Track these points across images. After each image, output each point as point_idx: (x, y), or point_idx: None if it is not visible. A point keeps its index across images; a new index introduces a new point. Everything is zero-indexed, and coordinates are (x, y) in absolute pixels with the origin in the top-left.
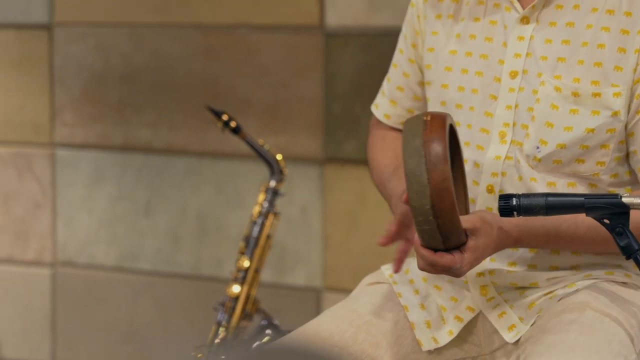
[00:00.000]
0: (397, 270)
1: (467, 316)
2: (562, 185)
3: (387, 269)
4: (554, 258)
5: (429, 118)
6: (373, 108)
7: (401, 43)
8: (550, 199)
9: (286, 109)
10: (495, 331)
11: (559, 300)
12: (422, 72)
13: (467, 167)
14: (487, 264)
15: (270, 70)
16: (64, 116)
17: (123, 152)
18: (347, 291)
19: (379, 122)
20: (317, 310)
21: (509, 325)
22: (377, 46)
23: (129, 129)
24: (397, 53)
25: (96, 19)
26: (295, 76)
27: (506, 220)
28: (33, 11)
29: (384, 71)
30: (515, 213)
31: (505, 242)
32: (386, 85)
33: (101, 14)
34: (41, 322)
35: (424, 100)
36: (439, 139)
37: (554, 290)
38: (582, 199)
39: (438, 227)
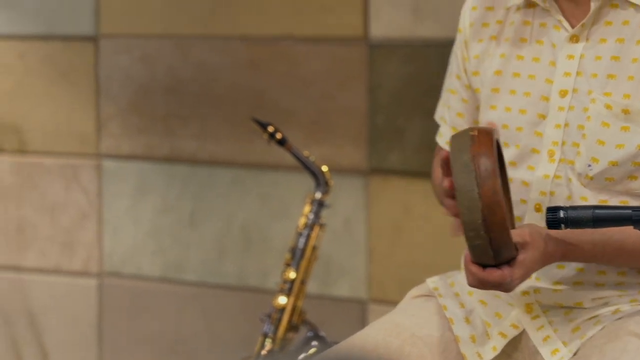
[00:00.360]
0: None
1: (512, 333)
2: (614, 203)
3: (432, 282)
4: (600, 277)
5: (475, 133)
6: (437, 137)
7: (455, 69)
8: (597, 211)
9: (330, 121)
10: (539, 351)
11: (602, 329)
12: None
13: (514, 186)
14: (532, 282)
15: (314, 82)
16: (110, 127)
17: (168, 163)
18: (392, 303)
19: (442, 149)
20: (362, 322)
21: (552, 349)
22: (422, 57)
23: (174, 140)
24: (454, 79)
25: (142, 30)
26: (339, 87)
27: (554, 233)
28: (79, 23)
29: (428, 82)
30: (562, 225)
31: (553, 255)
32: (447, 113)
33: (147, 25)
34: (87, 333)
35: None
36: (487, 154)
37: (598, 315)
38: (630, 211)
39: (490, 241)
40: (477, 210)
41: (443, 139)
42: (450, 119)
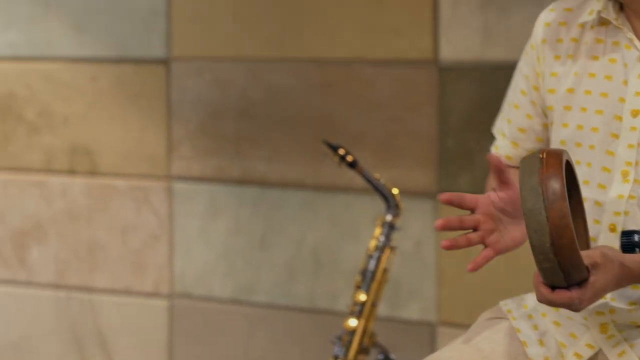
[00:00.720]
0: (471, 268)
1: (587, 353)
2: None
3: (505, 304)
4: None
5: (544, 155)
6: (492, 150)
7: (523, 84)
8: None
9: (400, 143)
10: None
11: None
12: (545, 114)
13: (587, 206)
14: (607, 302)
15: (384, 105)
16: (181, 150)
17: (239, 185)
18: (461, 326)
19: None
20: (432, 345)
21: None
22: (492, 80)
23: (245, 163)
24: (519, 94)
25: (213, 53)
26: (409, 110)
27: (628, 256)
28: (151, 46)
29: (498, 105)
30: (637, 250)
31: (626, 278)
32: (507, 127)
33: (218, 48)
34: (158, 354)
35: (546, 141)
36: (555, 176)
37: None
38: None
39: (559, 264)
40: (545, 233)
41: (500, 152)
42: (510, 133)
